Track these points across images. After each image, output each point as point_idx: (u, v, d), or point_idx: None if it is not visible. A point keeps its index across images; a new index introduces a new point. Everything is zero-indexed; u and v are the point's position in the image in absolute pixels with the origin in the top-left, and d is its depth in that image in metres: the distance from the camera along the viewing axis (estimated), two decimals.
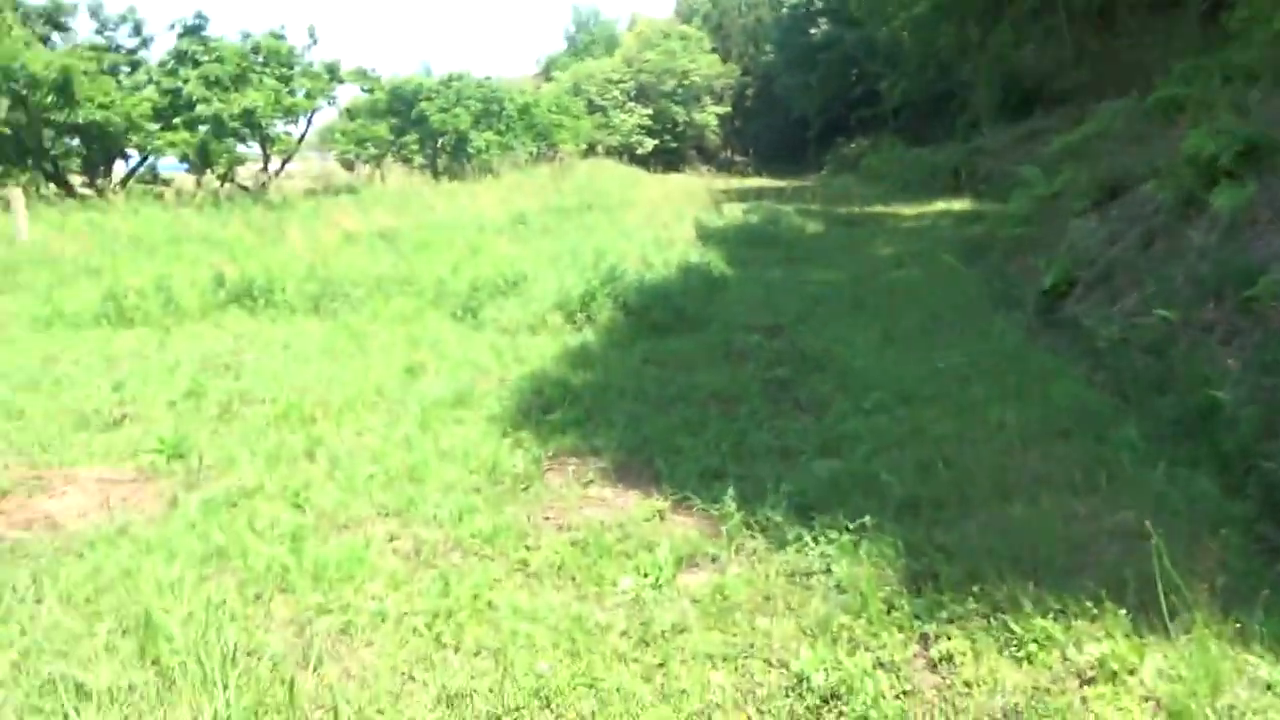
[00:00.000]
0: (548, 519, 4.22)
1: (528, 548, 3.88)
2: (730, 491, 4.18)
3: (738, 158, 65.10)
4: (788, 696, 2.81)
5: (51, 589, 3.35)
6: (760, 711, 2.75)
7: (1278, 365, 4.98)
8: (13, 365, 7.37)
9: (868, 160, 41.96)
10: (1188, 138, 7.24)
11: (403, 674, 2.91)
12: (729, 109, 59.67)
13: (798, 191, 30.71)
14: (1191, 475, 4.23)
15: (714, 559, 3.77)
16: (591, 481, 4.66)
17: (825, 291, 10.41)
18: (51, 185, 21.79)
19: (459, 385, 6.37)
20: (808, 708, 2.74)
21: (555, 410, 5.69)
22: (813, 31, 46.39)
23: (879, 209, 22.82)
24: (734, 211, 19.17)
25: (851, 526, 3.77)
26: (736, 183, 38.84)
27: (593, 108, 50.18)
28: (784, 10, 49.33)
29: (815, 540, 3.76)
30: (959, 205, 22.07)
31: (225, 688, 2.61)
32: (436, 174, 31.16)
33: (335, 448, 5.11)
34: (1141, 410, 5.46)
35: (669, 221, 16.40)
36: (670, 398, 5.91)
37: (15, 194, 13.81)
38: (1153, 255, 7.89)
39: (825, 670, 2.86)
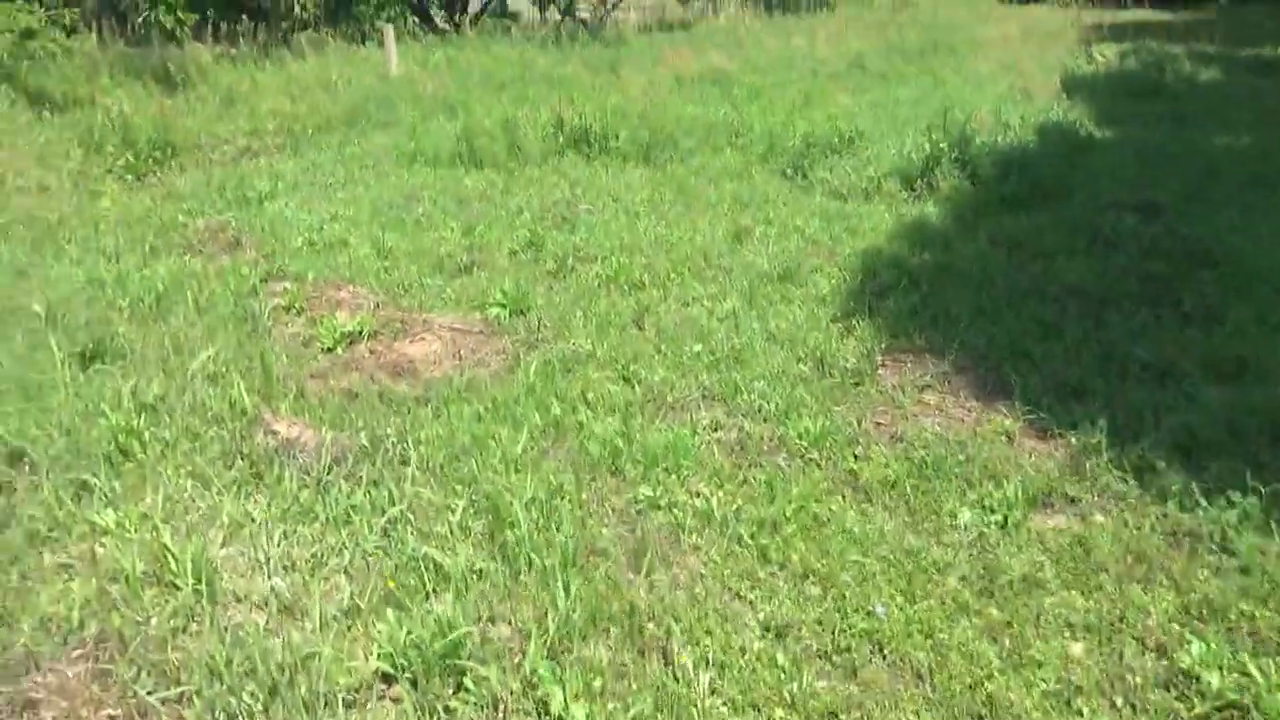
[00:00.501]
0: (879, 425, 3.91)
1: (856, 457, 3.62)
2: (1098, 420, 3.62)
3: None
4: (1169, 691, 2.39)
5: (414, 450, 3.60)
6: (1132, 707, 2.36)
7: None
8: (384, 201, 8.05)
9: None
10: None
11: (730, 590, 2.82)
12: None
13: (1191, 28, 25.95)
14: None
15: (1073, 501, 3.29)
16: (929, 386, 4.24)
17: (1220, 161, 8.73)
18: (416, 20, 23.36)
19: (787, 257, 6.07)
20: (1196, 716, 2.30)
21: (890, 296, 5.25)
22: None
23: None
24: (1107, 54, 16.59)
25: (1262, 487, 3.10)
26: (1110, 17, 33.55)
27: None
28: None
29: (1207, 497, 3.15)
30: None
31: (567, 591, 2.65)
32: (770, 7, 29.84)
33: (662, 318, 5.07)
34: None
35: (1028, 68, 14.54)
36: (1023, 290, 5.22)
37: (387, 30, 14.85)
38: None
39: (1222, 671, 2.38)
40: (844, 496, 3.35)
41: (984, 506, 3.23)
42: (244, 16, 15.40)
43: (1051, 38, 22.77)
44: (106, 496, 3.26)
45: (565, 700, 2.27)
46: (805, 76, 13.99)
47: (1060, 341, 4.56)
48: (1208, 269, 5.60)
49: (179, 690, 2.35)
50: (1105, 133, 10.24)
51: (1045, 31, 25.89)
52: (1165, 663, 2.49)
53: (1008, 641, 2.58)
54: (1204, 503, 3.12)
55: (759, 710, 2.34)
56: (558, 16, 26.09)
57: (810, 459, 3.60)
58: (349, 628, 2.63)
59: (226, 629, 2.58)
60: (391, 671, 2.38)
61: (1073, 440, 3.62)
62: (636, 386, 4.24)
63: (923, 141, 8.33)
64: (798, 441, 3.70)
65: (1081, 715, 2.32)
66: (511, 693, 2.33)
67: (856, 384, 4.25)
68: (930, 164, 7.73)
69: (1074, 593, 2.78)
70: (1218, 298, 5.09)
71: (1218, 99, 13.07)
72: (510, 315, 5.23)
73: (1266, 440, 3.51)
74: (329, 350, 4.82)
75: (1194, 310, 4.95)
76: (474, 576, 2.82)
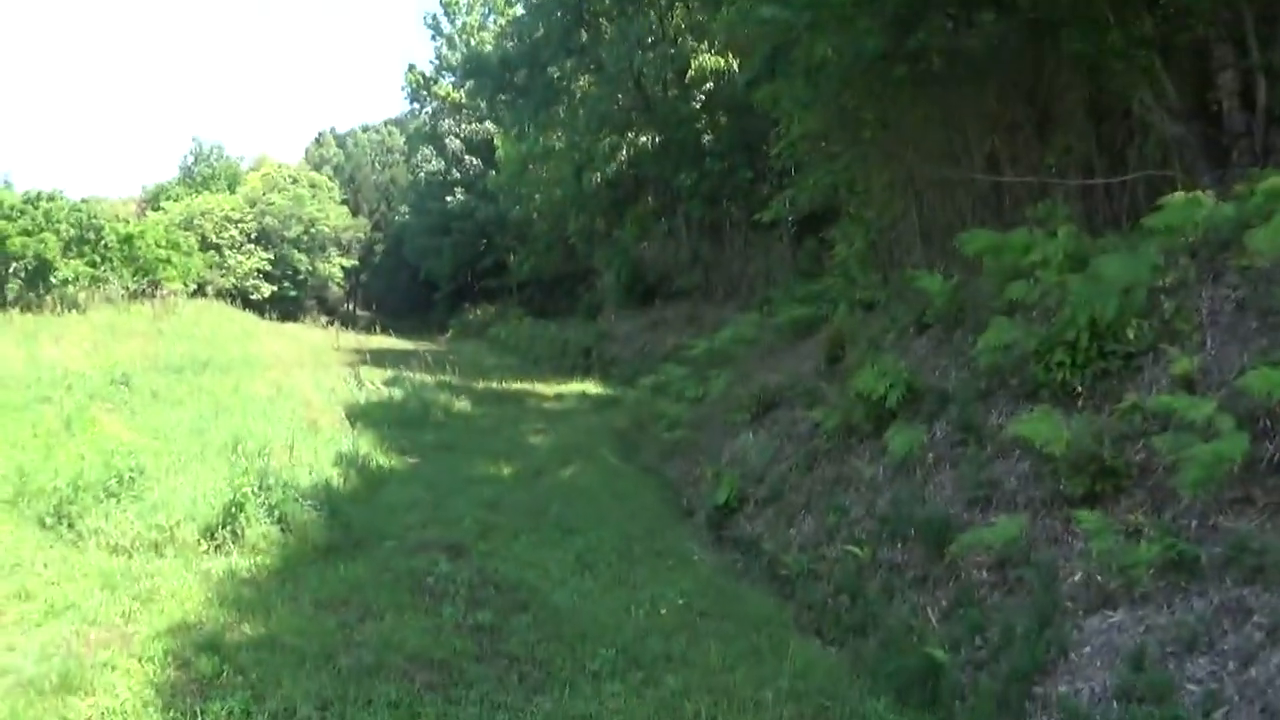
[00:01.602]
0: None
1: None
2: None
3: (360, 312, 63.36)
4: None
5: None
6: None
7: (980, 627, 5.19)
8: None
9: (496, 330, 42.77)
10: (858, 375, 7.82)
11: None
12: (356, 262, 58.28)
13: (423, 357, 29.59)
14: None
15: None
16: None
17: (497, 494, 9.75)
18: None
19: (59, 649, 4.72)
20: None
21: (214, 695, 4.34)
22: (449, 199, 47.27)
23: (519, 385, 22.81)
24: (373, 379, 17.99)
25: None
26: (363, 340, 37.13)
27: (206, 245, 46.21)
28: (421, 174, 49.86)
29: None
30: (593, 388, 22.84)
31: None
32: (5, 304, 26.18)
33: None
34: (855, 659, 5.43)
35: (309, 394, 14.87)
36: (367, 667, 4.78)
37: None
38: (821, 479, 8.31)
39: None
40: None
41: None
42: None
43: (318, 357, 24.10)
44: None
45: None
46: (60, 393, 12.16)
47: None
48: (521, 612, 5.91)
49: None
50: (393, 463, 10.76)
51: (312, 350, 27.38)
52: None
53: None
54: None
55: None
56: None
57: None
58: None
59: None
60: None
61: None
62: None
63: (221, 483, 7.63)
64: None
65: None
66: None
67: None
68: (234, 509, 7.02)
69: None
70: (541, 648, 5.32)
71: (473, 428, 14.97)
72: None
73: None
74: None
75: (526, 665, 5.08)
76: None
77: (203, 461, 8.89)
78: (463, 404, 17.44)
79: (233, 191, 53.00)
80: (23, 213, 25.35)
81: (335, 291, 61.14)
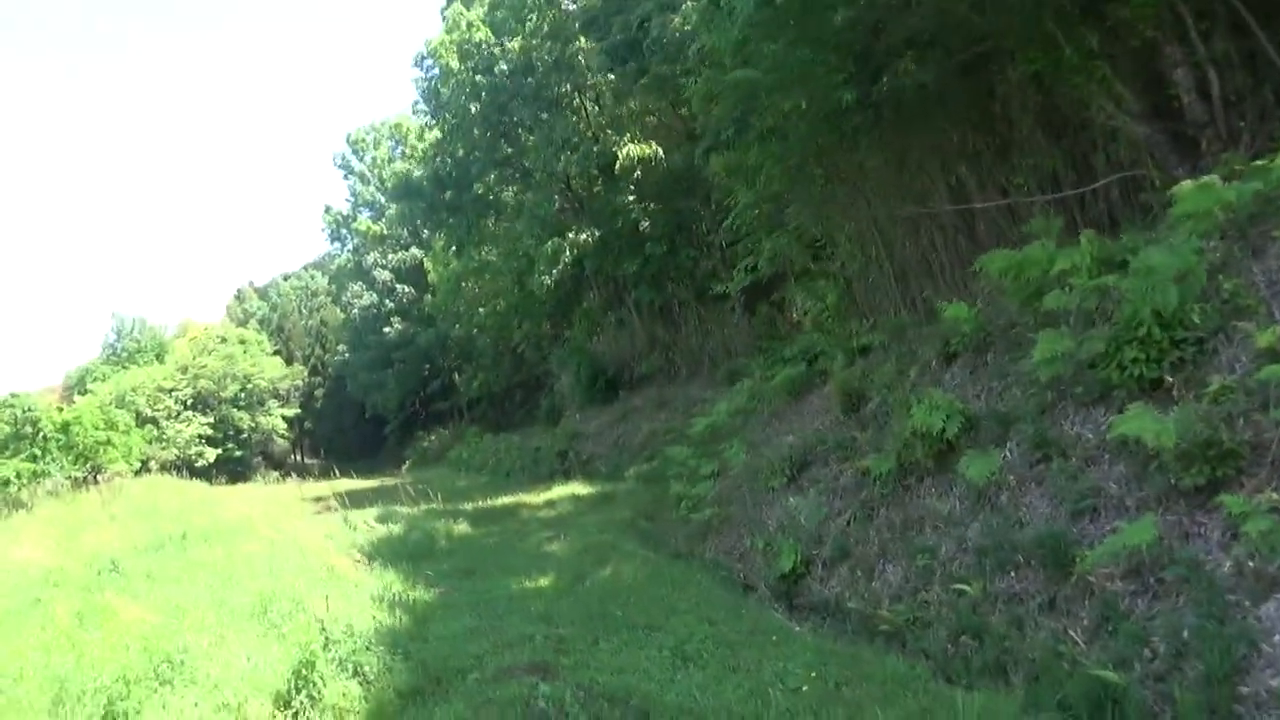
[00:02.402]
0: None
1: None
2: None
3: (309, 460, 61.82)
4: None
5: None
6: None
7: (1140, 639, 5.01)
8: None
9: (456, 452, 41.98)
10: (912, 413, 7.73)
11: None
12: (298, 410, 57.09)
13: (394, 491, 28.73)
14: None
15: None
16: None
17: (547, 606, 9.31)
18: None
19: None
20: None
21: None
22: (386, 330, 46.90)
23: (504, 500, 22.25)
24: (362, 519, 17.35)
25: None
26: (325, 486, 36.01)
27: (141, 420, 44.79)
28: (355, 311, 49.47)
29: None
30: (579, 489, 22.39)
31: None
32: None
33: None
34: (1026, 697, 5.18)
35: (304, 542, 14.23)
36: None
37: None
38: (887, 526, 8.13)
39: None
40: None
41: None
42: None
43: (289, 511, 23.21)
44: None
45: None
46: (49, 591, 11.40)
47: None
48: None
49: None
50: (427, 596, 10.25)
51: (278, 505, 26.45)
52: None
53: None
54: None
55: None
56: None
57: None
58: None
59: None
60: None
61: None
62: None
63: (273, 646, 7.13)
64: None
65: None
66: None
67: None
68: (304, 670, 6.52)
69: None
70: None
71: (485, 548, 14.46)
72: None
73: None
74: None
75: None
76: None
77: (239, 629, 8.32)
78: (462, 527, 16.88)
79: (161, 361, 51.84)
80: None
81: (280, 444, 59.65)
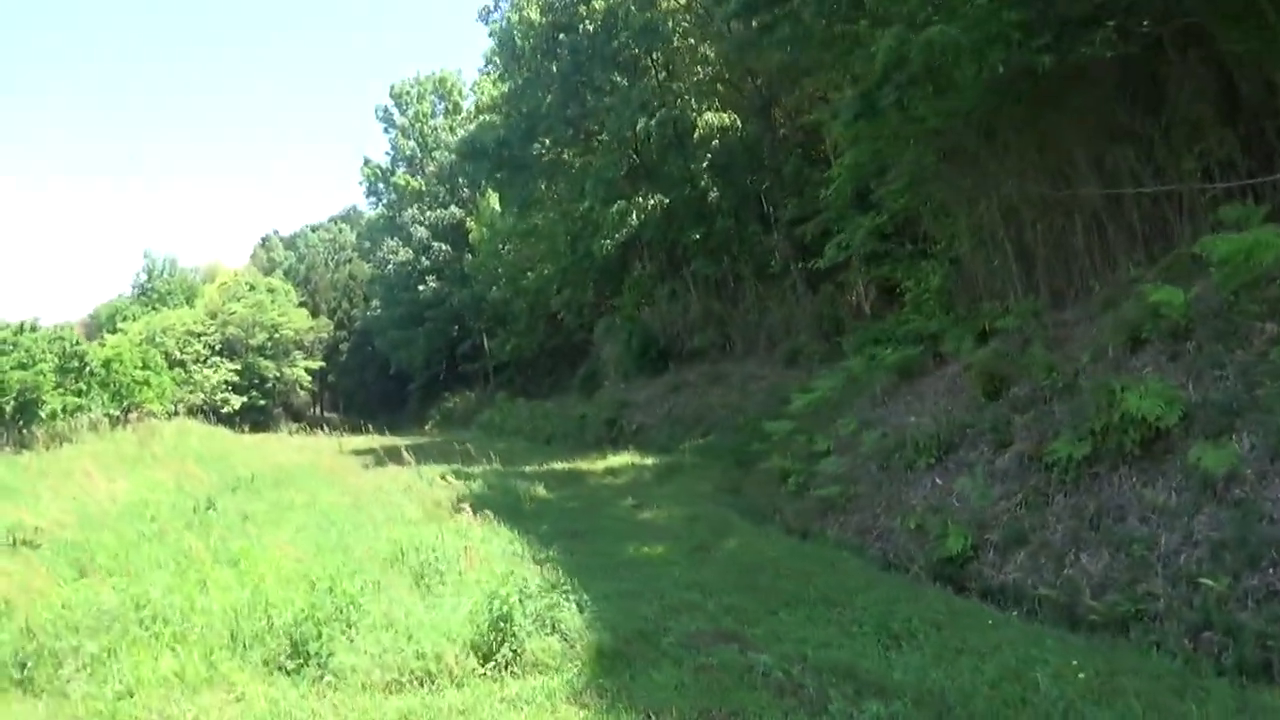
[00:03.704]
0: None
1: None
2: None
3: (329, 414, 61.60)
4: None
5: None
6: None
7: None
8: None
9: (486, 415, 41.64)
10: (1121, 398, 7.37)
11: None
12: (322, 364, 56.85)
13: (441, 449, 28.33)
14: None
15: None
16: None
17: (689, 575, 9.03)
18: None
19: None
20: None
21: None
22: (420, 288, 46.49)
23: (559, 465, 21.95)
24: (438, 476, 17.08)
25: None
26: (360, 441, 35.64)
27: (171, 362, 44.57)
28: (389, 267, 49.03)
29: None
30: (636, 459, 22.04)
31: None
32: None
33: None
34: None
35: (392, 495, 13.99)
36: None
37: None
38: (1071, 513, 7.81)
39: None
40: None
41: None
42: None
43: (339, 463, 22.82)
44: None
45: None
46: (157, 525, 11.14)
47: None
48: (898, 700, 5.24)
49: None
50: (558, 555, 9.97)
51: (324, 456, 26.08)
52: None
53: None
54: None
55: None
56: None
57: None
58: None
59: None
60: None
61: None
62: None
63: (453, 597, 6.86)
64: None
65: None
66: None
67: None
68: (501, 623, 6.22)
69: None
70: None
71: (570, 512, 14.21)
72: None
73: None
74: None
75: None
76: None
77: (389, 576, 8.07)
78: (539, 490, 16.64)
79: (191, 305, 51.55)
80: (14, 345, 23.94)
81: (302, 396, 59.52)
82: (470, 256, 42.72)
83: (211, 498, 13.00)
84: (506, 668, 6.00)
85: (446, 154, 47.13)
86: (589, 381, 35.85)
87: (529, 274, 35.93)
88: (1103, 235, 11.76)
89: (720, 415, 24.42)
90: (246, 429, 45.79)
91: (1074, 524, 7.71)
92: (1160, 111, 10.69)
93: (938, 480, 9.80)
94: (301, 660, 6.16)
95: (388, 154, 51.41)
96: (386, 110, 50.74)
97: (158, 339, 45.54)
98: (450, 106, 50.87)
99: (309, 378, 55.07)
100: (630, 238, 27.12)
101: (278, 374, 52.12)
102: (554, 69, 24.16)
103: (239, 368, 48.91)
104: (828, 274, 25.67)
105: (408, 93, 49.77)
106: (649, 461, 21.19)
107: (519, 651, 6.11)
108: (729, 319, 27.75)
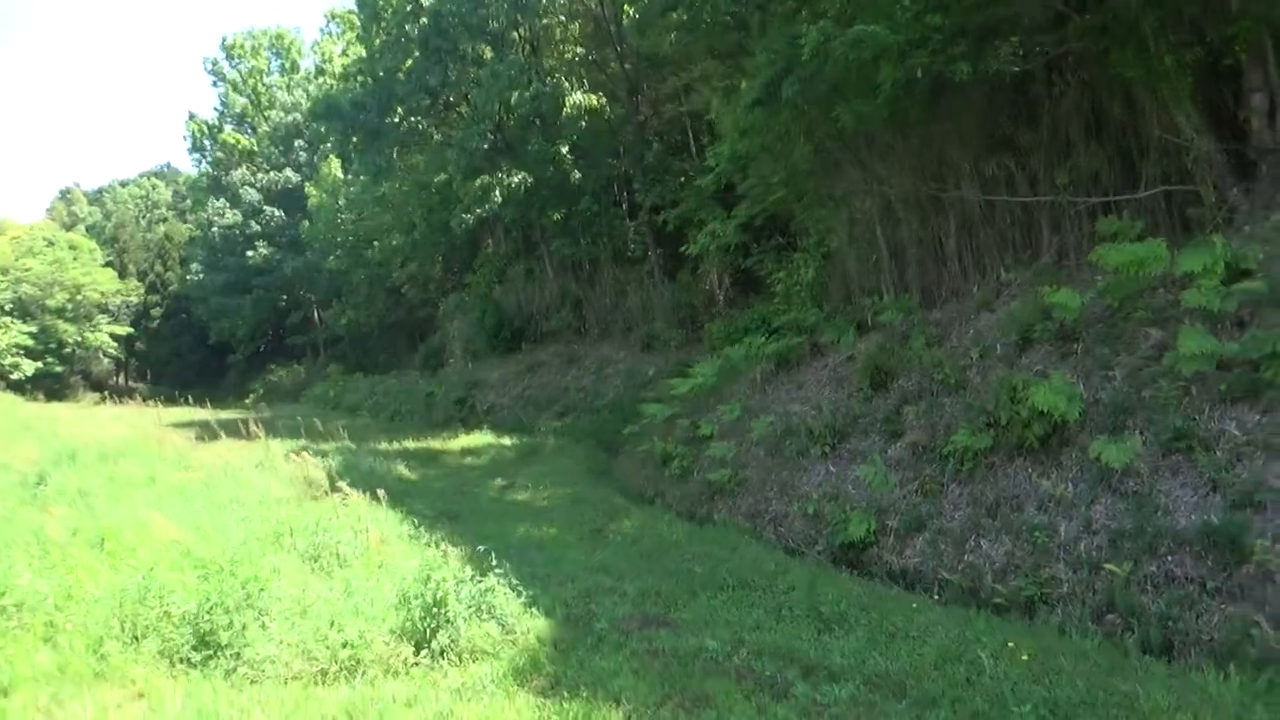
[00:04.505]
0: None
1: None
2: None
3: (134, 385, 56.91)
4: None
5: None
6: None
7: None
8: None
9: (318, 390, 39.75)
10: (1030, 393, 7.76)
11: None
12: (129, 330, 52.46)
13: (271, 425, 26.58)
14: None
15: None
16: None
17: (592, 558, 8.97)
18: None
19: None
20: None
21: None
22: (249, 254, 43.66)
23: (410, 444, 21.20)
24: (290, 452, 16.04)
25: None
26: (180, 413, 32.95)
27: None
28: (213, 230, 45.71)
29: None
30: (492, 439, 21.63)
31: None
32: None
33: None
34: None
35: (247, 472, 13.04)
36: None
37: None
38: (970, 502, 8.20)
39: None
40: None
41: None
42: None
43: (166, 438, 21.08)
44: None
45: None
46: (10, 500, 9.90)
47: None
48: (870, 688, 5.32)
49: None
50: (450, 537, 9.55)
51: (143, 430, 24.08)
52: None
53: None
54: None
55: None
56: None
57: None
58: None
59: None
60: None
61: None
62: None
63: (369, 581, 6.43)
64: None
65: None
66: None
67: None
68: (436, 608, 5.86)
69: None
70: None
71: (439, 492, 13.76)
72: None
73: None
74: None
75: None
76: None
77: (282, 561, 7.47)
78: (401, 468, 15.99)
79: None
80: None
81: (103, 364, 54.75)
82: (307, 223, 40.49)
83: (41, 472, 11.66)
84: (442, 655, 5.67)
85: (282, 114, 44.47)
86: (432, 359, 34.82)
87: (375, 244, 34.44)
88: (974, 239, 12.42)
89: (576, 397, 24.32)
90: (40, 398, 41.70)
91: (972, 512, 8.10)
92: (1037, 126, 11.39)
93: (831, 468, 10.08)
94: (210, 652, 5.58)
95: (216, 110, 47.97)
96: (216, 63, 47.25)
97: None
98: (288, 65, 47.98)
99: (114, 344, 50.69)
100: (487, 215, 26.43)
101: (78, 339, 47.72)
102: (415, 33, 23.13)
103: (33, 330, 44.42)
104: (685, 262, 25.99)
105: (240, 45, 46.50)
106: (507, 442, 20.82)
107: (455, 639, 5.78)
108: (586, 301, 27.60)
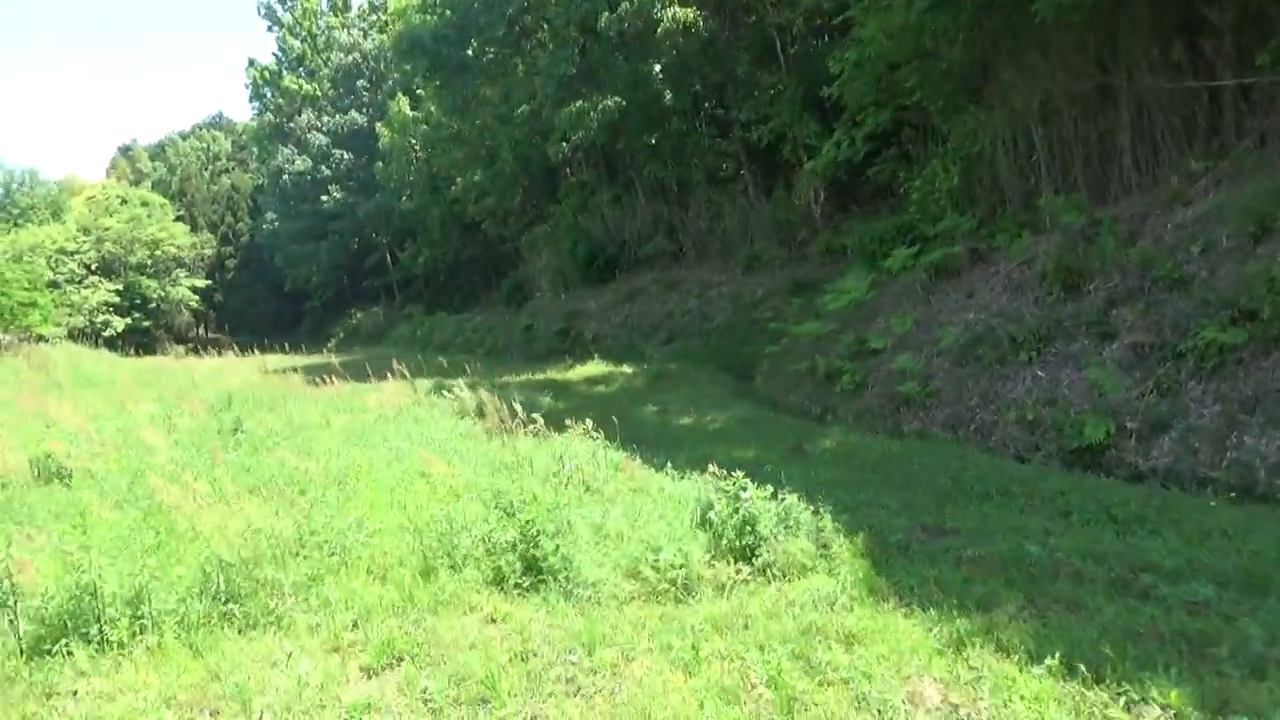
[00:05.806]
0: None
1: None
2: None
3: (215, 336, 58.03)
4: None
5: None
6: None
7: None
8: None
9: (402, 331, 40.16)
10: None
11: None
12: (207, 282, 53.25)
13: (365, 367, 26.88)
14: None
15: None
16: None
17: (832, 475, 8.87)
18: None
19: None
20: None
21: None
22: (323, 199, 43.80)
23: (529, 376, 21.36)
24: (432, 392, 16.24)
25: None
26: (276, 361, 33.47)
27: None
28: (284, 178, 45.82)
29: None
30: (610, 368, 21.66)
31: None
32: None
33: None
34: None
35: (428, 413, 13.23)
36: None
37: None
38: (1215, 399, 7.99)
39: None
40: None
41: None
42: None
43: (286, 383, 21.40)
44: None
45: None
46: (219, 444, 10.14)
47: None
48: (1188, 581, 5.23)
49: None
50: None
51: (258, 376, 24.48)
52: None
53: None
54: None
55: None
56: None
57: None
58: None
59: None
60: None
61: None
62: None
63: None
64: None
65: None
66: None
67: None
68: (748, 526, 5.86)
69: None
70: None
71: (607, 425, 13.76)
72: None
73: None
74: None
75: None
76: None
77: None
78: (548, 400, 16.10)
79: (59, 220, 47.04)
80: None
81: (185, 317, 55.80)
82: (380, 164, 40.36)
83: (236, 418, 11.92)
84: (764, 572, 5.68)
85: (342, 55, 44.06)
86: (516, 293, 34.80)
87: (458, 180, 34.22)
88: (1152, 130, 11.91)
89: (682, 322, 24.17)
90: (133, 353, 42.68)
91: (1224, 408, 7.88)
92: (1225, 4, 10.77)
93: (1039, 373, 9.87)
94: (539, 577, 5.66)
95: (275, 55, 47.61)
96: (269, 6, 46.79)
97: (25, 258, 41.47)
98: (339, 3, 47.38)
99: (195, 297, 51.55)
100: (581, 142, 26.06)
101: (161, 294, 48.62)
102: None
103: (119, 288, 45.28)
104: (780, 179, 25.45)
105: None
106: (627, 369, 20.84)
107: (774, 556, 5.79)
108: (680, 225, 27.30)
